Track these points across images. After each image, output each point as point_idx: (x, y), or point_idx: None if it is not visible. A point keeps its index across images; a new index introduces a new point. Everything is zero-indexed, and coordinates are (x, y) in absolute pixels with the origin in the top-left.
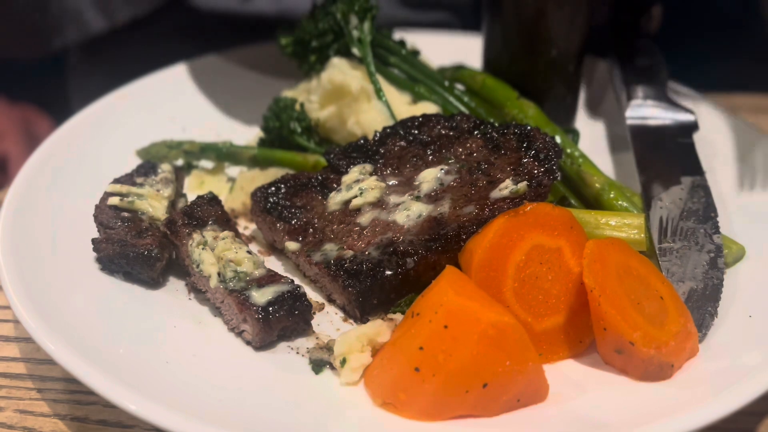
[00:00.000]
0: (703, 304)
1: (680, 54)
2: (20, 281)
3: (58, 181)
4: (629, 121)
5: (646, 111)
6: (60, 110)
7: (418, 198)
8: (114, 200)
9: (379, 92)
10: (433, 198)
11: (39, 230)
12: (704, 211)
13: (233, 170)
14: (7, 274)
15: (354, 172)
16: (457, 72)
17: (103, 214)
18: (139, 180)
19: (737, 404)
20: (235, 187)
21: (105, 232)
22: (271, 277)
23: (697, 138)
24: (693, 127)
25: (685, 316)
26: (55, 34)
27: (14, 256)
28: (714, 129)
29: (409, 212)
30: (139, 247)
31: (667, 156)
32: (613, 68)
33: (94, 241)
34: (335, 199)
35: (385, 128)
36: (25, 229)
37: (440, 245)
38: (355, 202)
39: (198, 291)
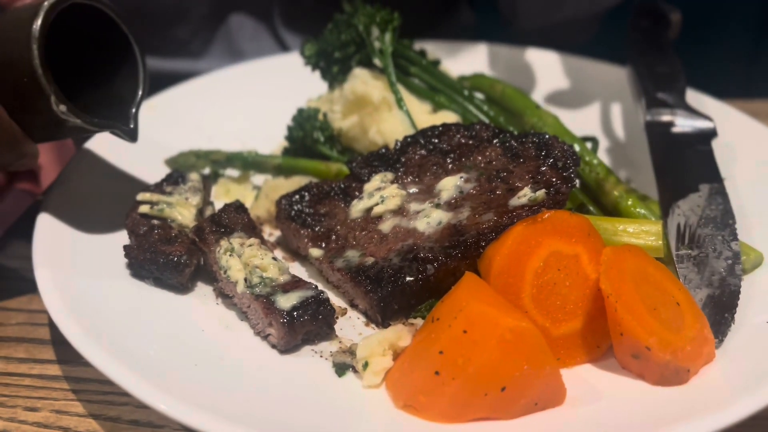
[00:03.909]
0: (720, 311)
1: (699, 60)
2: (56, 286)
3: (90, 190)
4: (648, 128)
5: (664, 118)
6: None
7: (438, 205)
8: (144, 208)
9: (400, 102)
10: (452, 205)
11: (72, 237)
12: (722, 218)
13: (258, 178)
14: (43, 280)
15: (375, 181)
16: (477, 81)
17: (134, 221)
18: (168, 189)
19: (753, 408)
20: (260, 194)
21: (136, 239)
22: (296, 283)
23: (716, 144)
24: (712, 133)
25: (701, 321)
26: None
27: (49, 262)
28: (733, 135)
29: (430, 219)
30: (169, 254)
31: (685, 163)
32: (631, 75)
33: (125, 247)
34: (357, 207)
35: (405, 137)
36: (59, 236)
37: (460, 252)
38: (377, 210)
39: (225, 296)
